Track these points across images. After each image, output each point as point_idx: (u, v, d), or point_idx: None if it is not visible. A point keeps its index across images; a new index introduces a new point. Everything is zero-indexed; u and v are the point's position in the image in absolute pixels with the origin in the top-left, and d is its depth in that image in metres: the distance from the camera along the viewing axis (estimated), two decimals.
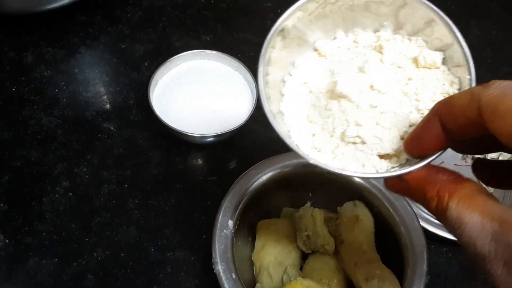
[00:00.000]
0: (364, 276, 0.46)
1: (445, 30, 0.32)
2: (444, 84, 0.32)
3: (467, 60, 0.31)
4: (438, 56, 0.32)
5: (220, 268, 0.45)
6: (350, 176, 0.50)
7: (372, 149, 0.32)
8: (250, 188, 0.50)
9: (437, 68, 0.32)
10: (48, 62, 0.69)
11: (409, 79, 0.32)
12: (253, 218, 0.54)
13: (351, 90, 0.32)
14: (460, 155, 0.62)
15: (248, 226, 0.53)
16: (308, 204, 0.53)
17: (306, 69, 0.36)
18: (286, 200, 0.56)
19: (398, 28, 0.34)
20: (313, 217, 0.50)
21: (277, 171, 0.52)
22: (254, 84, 0.62)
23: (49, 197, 0.57)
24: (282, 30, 0.35)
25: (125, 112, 0.65)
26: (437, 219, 0.27)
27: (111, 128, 0.63)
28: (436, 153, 0.29)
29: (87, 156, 0.61)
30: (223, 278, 0.45)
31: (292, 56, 0.36)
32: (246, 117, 0.59)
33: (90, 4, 0.74)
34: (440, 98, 0.32)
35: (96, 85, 0.67)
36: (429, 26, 0.33)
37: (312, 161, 0.31)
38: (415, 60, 0.33)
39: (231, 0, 0.79)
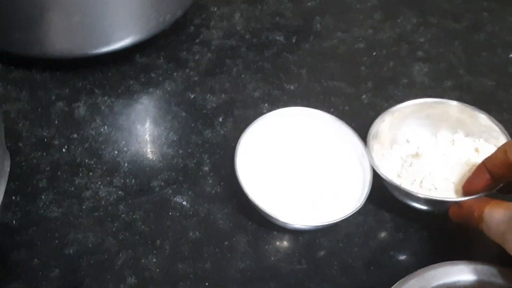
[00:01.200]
0: None
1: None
2: None
3: None
4: (493, 148, 0.50)
5: None
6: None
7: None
8: None
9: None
10: (105, 115, 0.57)
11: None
12: None
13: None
14: None
15: None
16: None
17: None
18: None
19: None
20: None
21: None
22: (364, 154, 0.49)
23: None
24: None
25: (199, 182, 0.53)
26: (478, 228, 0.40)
27: (184, 203, 0.51)
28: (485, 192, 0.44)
29: (157, 242, 0.48)
30: None
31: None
32: (361, 200, 0.47)
33: (151, 44, 0.63)
34: None
35: (163, 145, 0.55)
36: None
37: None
38: (477, 149, 0.51)
39: (316, 41, 0.67)
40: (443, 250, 0.49)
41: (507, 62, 0.66)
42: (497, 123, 0.51)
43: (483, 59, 0.66)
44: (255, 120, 0.51)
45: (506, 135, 0.51)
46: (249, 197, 0.46)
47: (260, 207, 0.46)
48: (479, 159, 0.49)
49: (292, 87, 0.62)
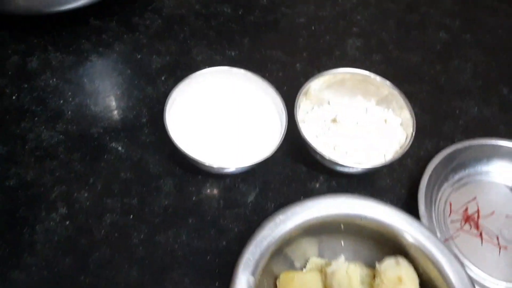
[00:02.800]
0: None
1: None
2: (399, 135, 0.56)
3: (413, 126, 0.54)
4: (399, 120, 0.57)
5: None
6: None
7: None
8: (276, 238, 0.43)
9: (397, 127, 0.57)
10: (55, 69, 0.62)
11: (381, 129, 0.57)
12: (275, 268, 0.46)
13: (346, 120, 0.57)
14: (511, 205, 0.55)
15: (269, 277, 0.46)
16: (343, 258, 0.45)
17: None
18: (314, 249, 0.48)
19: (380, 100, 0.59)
20: (348, 275, 0.43)
21: (308, 218, 0.44)
22: (284, 110, 0.55)
23: (43, 225, 0.50)
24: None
25: (136, 131, 0.58)
26: None
27: (119, 148, 0.56)
28: None
29: (90, 180, 0.53)
30: None
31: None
32: (274, 148, 0.52)
33: (106, 8, 0.68)
34: (396, 142, 0.56)
35: (106, 98, 0.60)
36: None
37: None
38: (386, 120, 0.57)
39: (261, 13, 0.72)
40: None
41: (435, 41, 0.71)
42: (404, 97, 0.56)
43: (413, 37, 0.71)
44: (187, 77, 0.56)
45: (409, 108, 0.55)
46: (175, 143, 0.51)
47: (183, 151, 0.51)
48: (386, 129, 0.56)
49: (233, 53, 0.67)
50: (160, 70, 0.64)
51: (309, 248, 0.48)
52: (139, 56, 0.65)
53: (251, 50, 0.68)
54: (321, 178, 0.56)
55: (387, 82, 0.58)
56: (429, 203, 0.51)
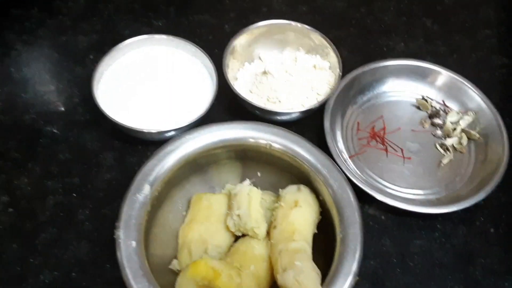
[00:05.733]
0: (283, 266, 0.40)
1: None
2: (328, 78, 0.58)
3: (339, 66, 0.56)
4: (327, 64, 0.58)
5: (121, 234, 0.41)
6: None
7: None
8: (187, 152, 0.45)
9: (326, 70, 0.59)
10: None
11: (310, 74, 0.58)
12: (194, 190, 0.49)
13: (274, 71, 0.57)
14: (417, 121, 0.58)
15: (186, 198, 0.49)
16: (247, 181, 0.47)
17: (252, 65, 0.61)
18: (233, 177, 0.50)
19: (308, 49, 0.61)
20: (249, 196, 0.44)
21: (225, 138, 0.47)
22: (213, 69, 0.55)
23: None
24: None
25: (70, 112, 0.58)
26: None
27: (55, 131, 0.56)
28: None
29: (28, 165, 0.53)
30: (121, 244, 0.40)
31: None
32: (207, 105, 0.52)
33: None
34: (326, 84, 0.57)
35: (35, 84, 0.60)
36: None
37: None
38: (315, 66, 0.58)
39: None
40: None
41: None
42: (329, 41, 0.58)
43: None
44: (110, 51, 0.56)
45: (335, 52, 0.57)
46: (109, 116, 0.51)
47: (119, 122, 0.50)
48: (316, 74, 0.57)
49: (160, 23, 0.67)
50: (88, 49, 0.63)
51: (229, 176, 0.50)
52: (64, 39, 0.64)
53: (178, 17, 0.67)
54: None
55: (309, 28, 0.59)
56: (336, 123, 0.55)
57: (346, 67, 0.58)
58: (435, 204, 0.50)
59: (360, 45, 0.65)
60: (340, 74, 0.56)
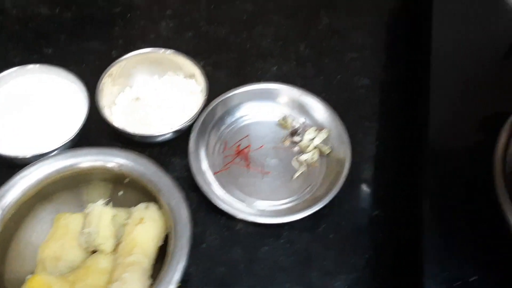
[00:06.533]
0: (114, 278, 0.45)
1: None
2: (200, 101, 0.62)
3: (206, 90, 0.62)
4: (199, 87, 0.64)
5: None
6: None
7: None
8: (39, 178, 0.50)
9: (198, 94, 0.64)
10: None
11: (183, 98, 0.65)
12: (65, 209, 0.53)
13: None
14: (279, 138, 0.64)
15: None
16: (101, 201, 0.52)
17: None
18: (105, 196, 0.55)
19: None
20: (99, 215, 0.50)
21: (73, 164, 0.52)
22: (87, 95, 0.60)
23: None
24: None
25: None
26: None
27: None
28: None
29: None
30: None
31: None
32: (76, 131, 0.57)
33: None
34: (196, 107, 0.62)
35: None
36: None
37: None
38: (191, 91, 0.64)
39: (77, 9, 0.76)
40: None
41: (243, 12, 0.78)
42: (200, 67, 0.63)
43: (222, 12, 0.78)
44: None
45: (204, 76, 0.63)
46: None
47: None
48: (190, 98, 0.63)
49: (50, 51, 0.71)
50: None
51: (98, 196, 0.54)
52: None
53: (68, 45, 0.72)
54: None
55: (184, 55, 0.64)
56: (202, 143, 0.61)
57: (223, 89, 0.64)
58: (286, 213, 0.56)
59: (237, 68, 0.71)
60: (206, 97, 0.61)
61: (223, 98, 0.63)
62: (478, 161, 0.53)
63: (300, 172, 0.60)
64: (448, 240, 0.49)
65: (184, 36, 0.75)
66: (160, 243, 0.50)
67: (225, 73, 0.70)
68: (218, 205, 0.55)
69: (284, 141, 0.63)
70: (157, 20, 0.76)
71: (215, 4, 0.79)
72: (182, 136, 0.62)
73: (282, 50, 0.74)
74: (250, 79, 0.69)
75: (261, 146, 0.63)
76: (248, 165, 0.61)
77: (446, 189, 0.52)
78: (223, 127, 0.64)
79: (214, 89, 0.64)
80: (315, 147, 0.62)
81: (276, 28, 0.76)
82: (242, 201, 0.58)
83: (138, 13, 0.77)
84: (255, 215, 0.55)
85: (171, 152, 0.62)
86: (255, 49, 0.74)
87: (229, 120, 0.64)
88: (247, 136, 0.63)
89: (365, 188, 0.60)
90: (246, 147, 0.62)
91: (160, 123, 0.61)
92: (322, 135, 0.62)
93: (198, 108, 0.61)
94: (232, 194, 0.58)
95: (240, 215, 0.55)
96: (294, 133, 0.63)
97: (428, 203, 0.51)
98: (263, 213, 0.56)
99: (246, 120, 0.65)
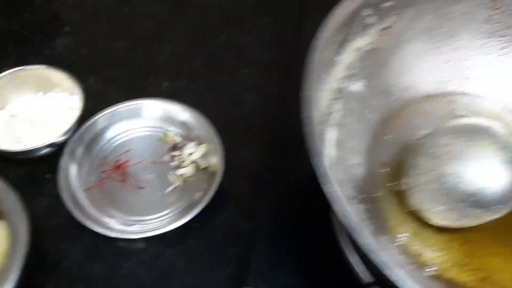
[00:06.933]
0: None
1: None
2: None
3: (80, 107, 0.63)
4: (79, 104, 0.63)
5: None
6: None
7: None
8: None
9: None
10: None
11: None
12: None
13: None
14: (160, 153, 0.63)
15: None
16: None
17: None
18: None
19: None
20: None
21: None
22: None
23: None
24: None
25: None
26: None
27: None
28: None
29: None
30: None
31: None
32: None
33: None
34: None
35: None
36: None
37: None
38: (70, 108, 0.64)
39: None
40: None
41: (143, 28, 0.79)
42: (78, 84, 0.64)
43: (121, 28, 0.79)
44: None
45: (83, 89, 0.64)
46: None
47: None
48: (69, 114, 0.63)
49: None
50: None
51: None
52: None
53: None
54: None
55: (64, 72, 0.64)
56: (75, 159, 0.60)
57: (108, 105, 0.64)
58: (154, 228, 0.56)
59: (128, 84, 0.71)
60: (82, 113, 0.61)
61: (103, 113, 0.63)
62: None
63: (174, 186, 0.60)
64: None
65: (80, 52, 0.75)
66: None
67: (114, 89, 0.70)
68: (81, 222, 0.54)
69: (164, 156, 0.63)
70: (52, 36, 0.76)
71: (116, 20, 0.80)
72: (60, 152, 0.62)
73: (176, 66, 0.74)
74: (139, 95, 0.69)
75: (140, 161, 0.62)
76: (123, 180, 0.60)
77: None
78: (102, 143, 0.63)
79: (103, 105, 0.64)
80: (192, 162, 0.62)
81: (173, 44, 0.77)
82: (112, 217, 0.57)
83: (35, 30, 0.77)
84: (121, 231, 0.55)
85: (46, 168, 0.62)
86: (149, 65, 0.74)
87: (109, 135, 0.64)
88: (127, 151, 0.63)
89: (235, 202, 0.60)
90: (123, 162, 0.62)
91: (36, 140, 0.61)
92: (202, 150, 0.62)
93: (73, 123, 0.61)
94: (102, 211, 0.58)
95: (104, 231, 0.54)
96: (174, 148, 0.63)
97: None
98: (130, 228, 0.56)
99: (128, 136, 0.65)
